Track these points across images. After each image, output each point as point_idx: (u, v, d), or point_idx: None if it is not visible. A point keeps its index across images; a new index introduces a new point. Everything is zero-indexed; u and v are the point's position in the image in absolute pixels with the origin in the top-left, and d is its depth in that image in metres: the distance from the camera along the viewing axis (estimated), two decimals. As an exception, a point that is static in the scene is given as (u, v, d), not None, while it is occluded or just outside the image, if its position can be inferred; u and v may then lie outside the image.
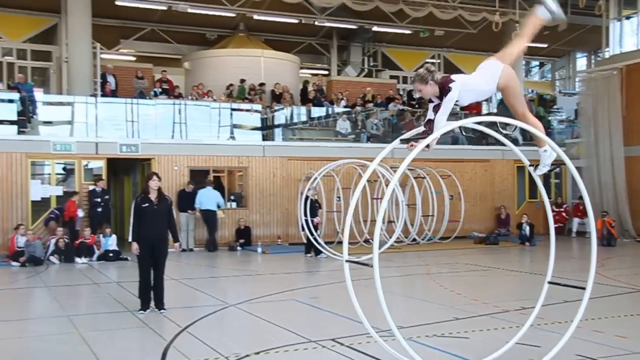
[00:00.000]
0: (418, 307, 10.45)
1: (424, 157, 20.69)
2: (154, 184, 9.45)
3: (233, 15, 24.80)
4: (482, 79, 5.80)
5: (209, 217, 18.68)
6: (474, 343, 7.55)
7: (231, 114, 20.91)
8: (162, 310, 9.42)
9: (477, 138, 23.02)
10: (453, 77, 5.68)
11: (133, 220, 9.46)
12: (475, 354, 6.85)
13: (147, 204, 9.40)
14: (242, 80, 23.53)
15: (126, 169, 21.59)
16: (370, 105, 24.07)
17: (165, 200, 9.62)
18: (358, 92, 25.24)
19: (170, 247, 9.79)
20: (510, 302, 10.03)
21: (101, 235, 16.80)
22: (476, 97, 5.88)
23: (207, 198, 18.66)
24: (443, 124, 5.64)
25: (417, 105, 24.78)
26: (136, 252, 9.45)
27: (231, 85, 23.22)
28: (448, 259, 16.79)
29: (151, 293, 9.49)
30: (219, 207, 18.87)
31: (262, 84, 23.83)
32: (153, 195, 9.44)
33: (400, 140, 6.26)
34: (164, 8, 23.04)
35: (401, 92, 27.74)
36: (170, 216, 9.66)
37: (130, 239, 9.59)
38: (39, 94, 19.92)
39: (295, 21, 25.31)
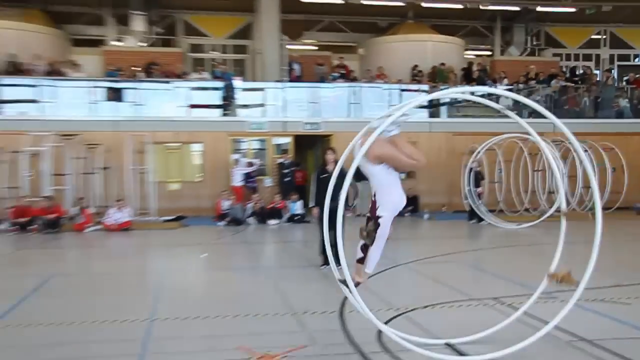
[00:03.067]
0: (578, 273, 9.85)
1: (586, 131, 19.26)
2: (329, 157, 9.78)
3: (403, 4, 24.57)
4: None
5: None
6: (635, 309, 7.00)
7: (400, 95, 20.87)
8: (339, 267, 9.70)
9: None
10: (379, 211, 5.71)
11: (314, 189, 9.86)
12: (636, 318, 6.36)
13: (325, 175, 9.70)
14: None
15: (310, 144, 22.33)
16: (533, 82, 22.75)
17: (341, 171, 9.84)
18: (521, 71, 23.88)
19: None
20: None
21: (289, 201, 17.65)
22: (384, 171, 5.82)
23: None
24: (377, 260, 5.95)
25: (580, 82, 23.03)
26: (316, 216, 9.84)
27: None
28: (609, 229, 15.55)
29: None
30: None
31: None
32: (331, 167, 9.73)
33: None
34: (342, 1, 23.33)
35: (564, 69, 25.86)
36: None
37: (310, 205, 10.01)
38: (237, 82, 21.17)
39: (461, 6, 24.49)
